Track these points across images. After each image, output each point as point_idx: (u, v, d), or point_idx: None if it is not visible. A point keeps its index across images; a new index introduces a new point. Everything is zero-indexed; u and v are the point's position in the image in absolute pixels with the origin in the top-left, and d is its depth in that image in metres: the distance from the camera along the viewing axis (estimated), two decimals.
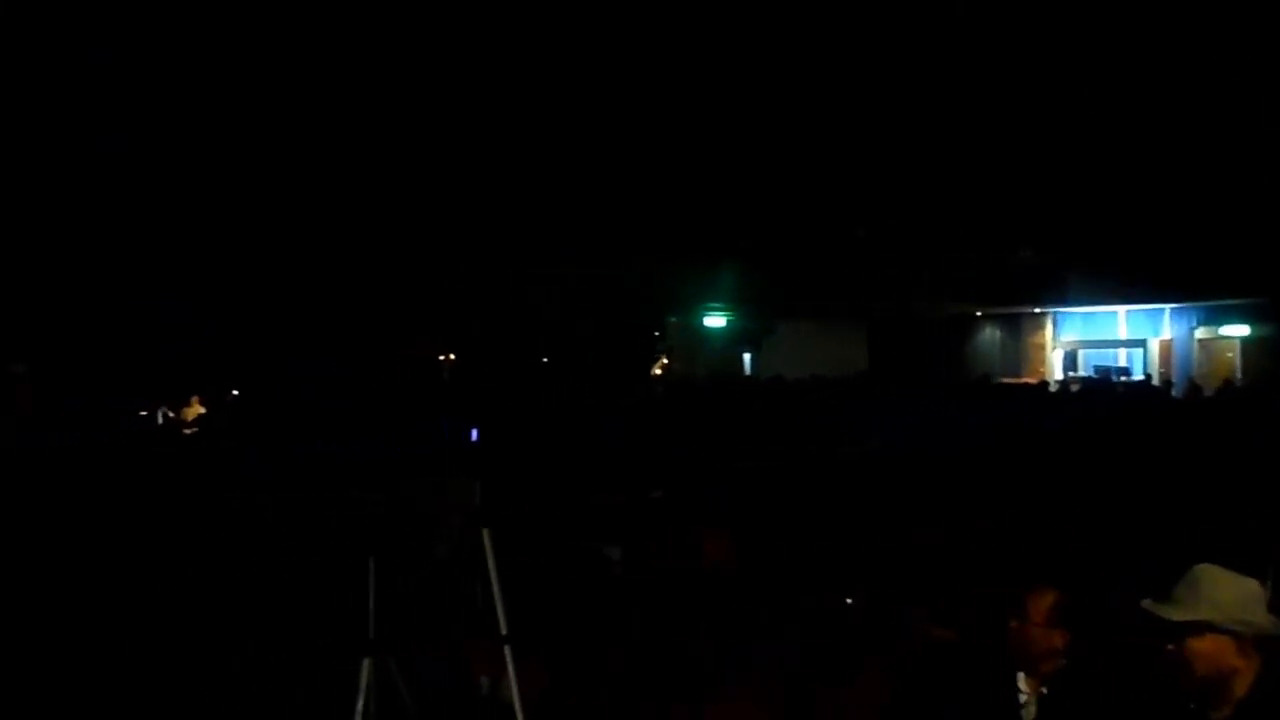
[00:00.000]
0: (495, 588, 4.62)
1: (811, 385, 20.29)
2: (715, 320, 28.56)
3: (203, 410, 17.55)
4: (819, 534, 6.92)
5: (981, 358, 29.37)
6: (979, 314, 29.81)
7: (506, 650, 4.57)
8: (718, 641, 5.50)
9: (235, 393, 18.75)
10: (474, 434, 4.83)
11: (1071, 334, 29.34)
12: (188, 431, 16.69)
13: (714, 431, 12.66)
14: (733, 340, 29.18)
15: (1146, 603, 3.10)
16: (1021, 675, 3.70)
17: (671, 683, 5.23)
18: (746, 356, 29.62)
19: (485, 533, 4.65)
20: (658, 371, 31.14)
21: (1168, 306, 26.97)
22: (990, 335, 30.45)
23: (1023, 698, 3.68)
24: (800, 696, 4.70)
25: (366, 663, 3.88)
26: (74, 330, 17.87)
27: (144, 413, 17.77)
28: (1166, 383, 23.72)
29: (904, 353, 27.47)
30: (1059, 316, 29.12)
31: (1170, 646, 3.02)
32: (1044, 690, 3.69)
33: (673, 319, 29.55)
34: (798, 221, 24.77)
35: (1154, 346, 27.45)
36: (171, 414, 18.00)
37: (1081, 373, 27.51)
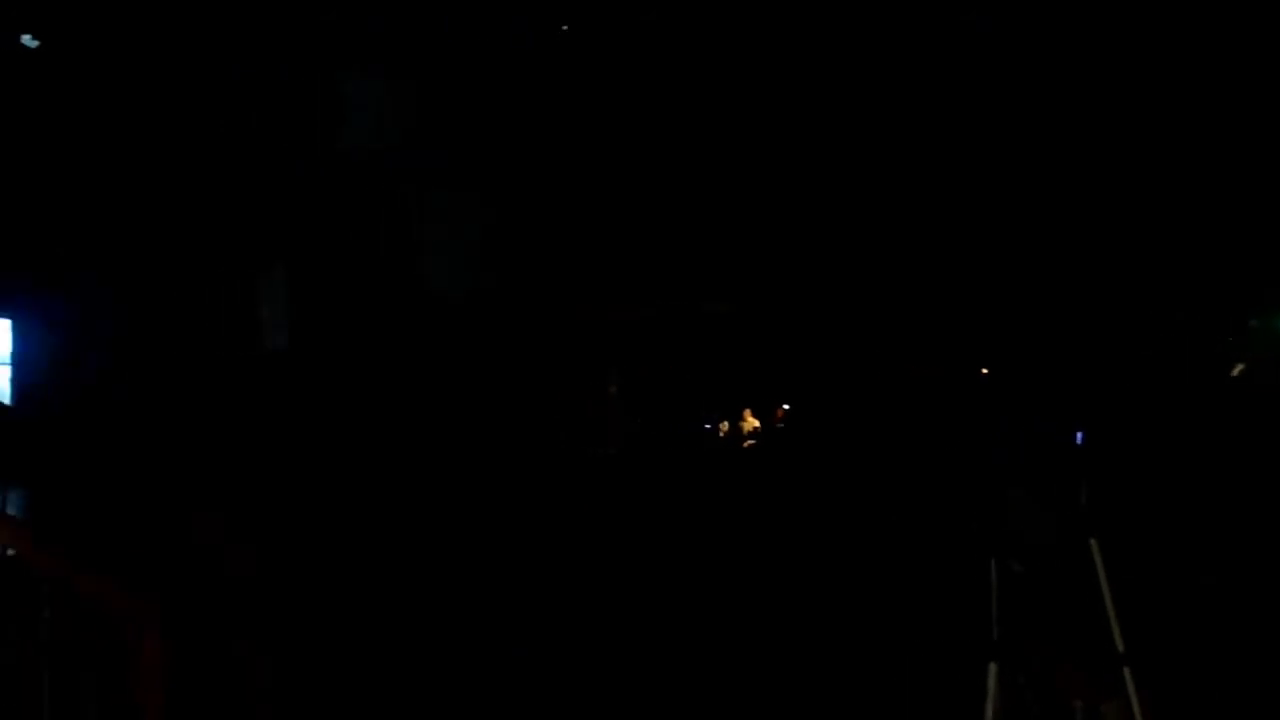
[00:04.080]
0: (1108, 601, 4.30)
1: None
2: None
3: (757, 423, 18.69)
4: None
5: None
6: None
7: (1126, 672, 4.20)
8: None
9: (785, 406, 19.66)
10: (1079, 437, 4.53)
11: None
12: (747, 444, 17.89)
13: None
14: None
15: None
16: None
17: None
18: None
19: (1093, 543, 4.36)
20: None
21: None
22: None
23: None
24: None
25: (993, 668, 3.76)
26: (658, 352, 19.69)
27: (708, 426, 19.32)
28: None
29: None
30: None
31: None
32: None
33: (1254, 321, 25.87)
34: None
35: None
36: (729, 427, 19.38)
37: None
